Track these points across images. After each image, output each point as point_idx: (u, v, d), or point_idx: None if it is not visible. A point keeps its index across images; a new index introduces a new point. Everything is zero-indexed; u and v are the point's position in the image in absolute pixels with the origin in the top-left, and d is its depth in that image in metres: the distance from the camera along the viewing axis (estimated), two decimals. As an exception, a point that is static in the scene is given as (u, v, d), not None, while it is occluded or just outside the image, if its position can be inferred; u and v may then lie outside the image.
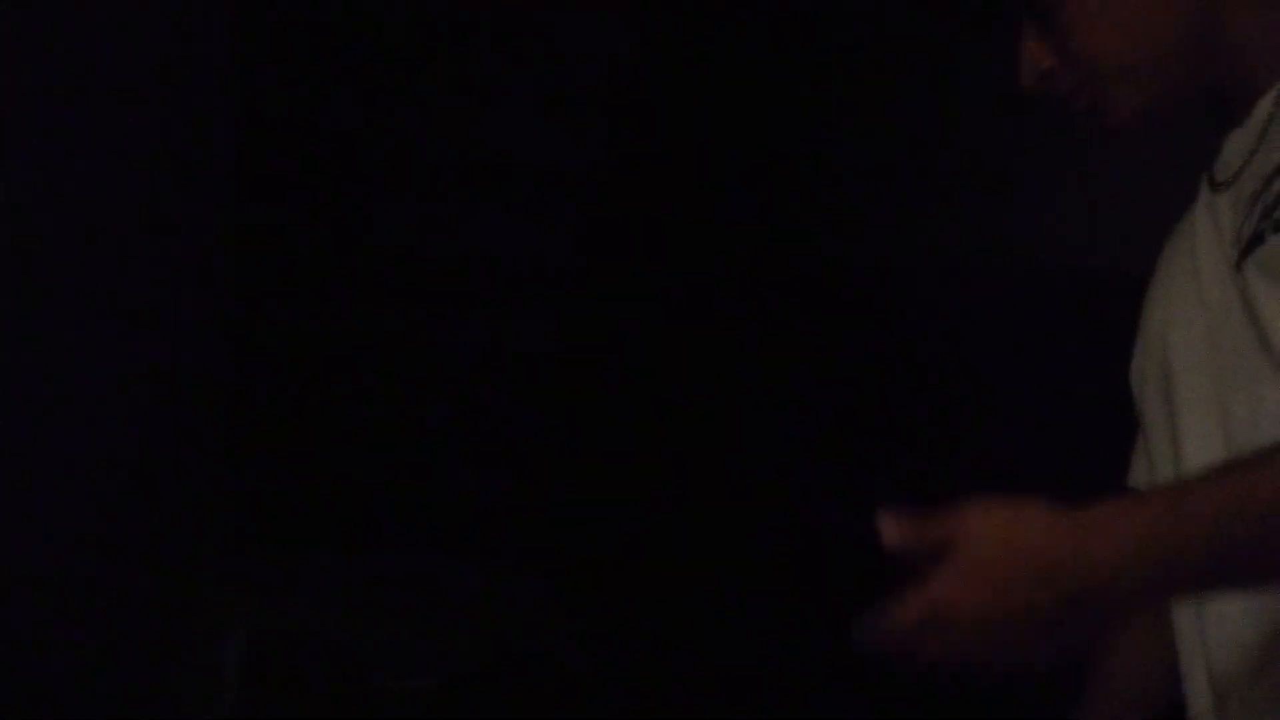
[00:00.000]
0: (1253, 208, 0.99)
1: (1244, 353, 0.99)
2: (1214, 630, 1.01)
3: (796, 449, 3.71)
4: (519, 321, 3.80)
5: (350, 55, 3.29)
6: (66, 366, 1.49)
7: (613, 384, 3.88)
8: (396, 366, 3.75)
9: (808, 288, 3.74)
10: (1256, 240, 0.97)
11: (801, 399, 3.73)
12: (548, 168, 3.55)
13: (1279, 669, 0.96)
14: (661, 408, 3.86)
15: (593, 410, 3.90)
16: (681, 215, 3.71)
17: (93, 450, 1.67)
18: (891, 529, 0.87)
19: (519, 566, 3.85)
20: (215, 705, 2.84)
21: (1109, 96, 1.07)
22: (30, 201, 1.28)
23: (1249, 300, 0.97)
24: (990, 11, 1.15)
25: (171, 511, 2.29)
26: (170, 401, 2.19)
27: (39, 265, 1.34)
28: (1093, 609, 0.77)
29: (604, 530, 3.84)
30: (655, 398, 3.86)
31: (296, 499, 3.67)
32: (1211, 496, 0.78)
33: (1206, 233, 1.06)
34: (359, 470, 3.76)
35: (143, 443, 1.97)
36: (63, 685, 1.58)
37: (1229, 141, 1.06)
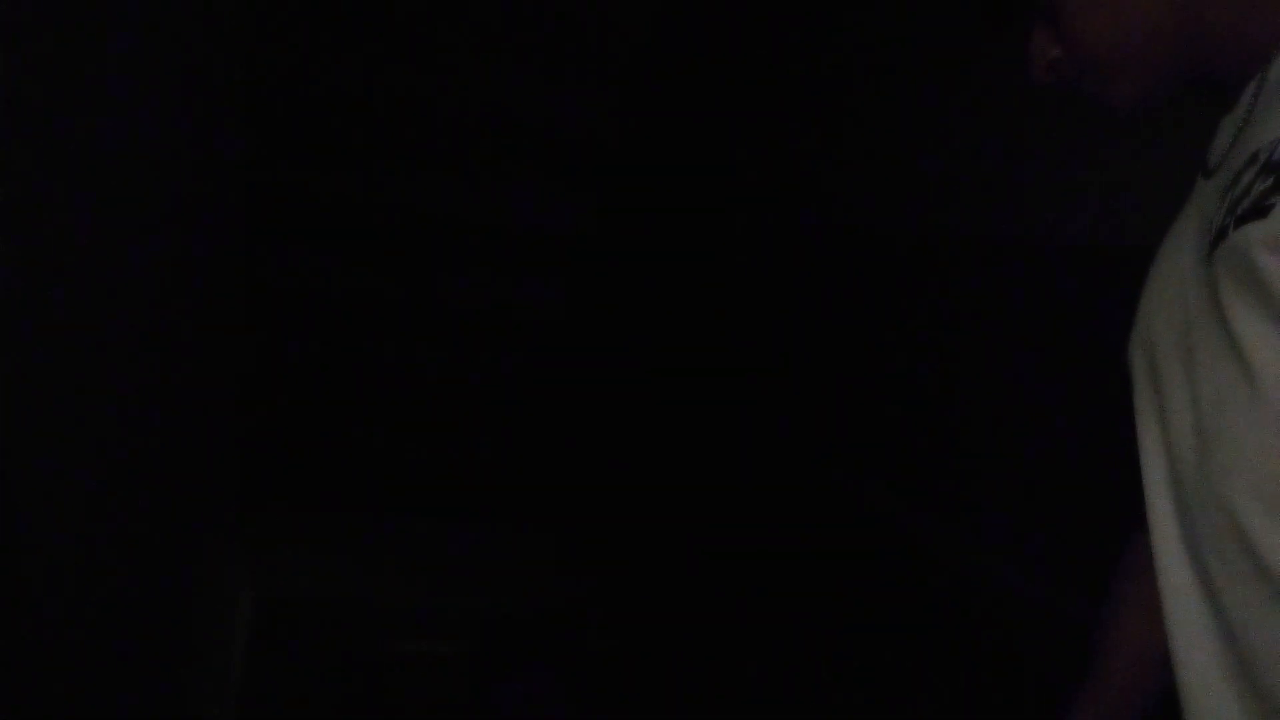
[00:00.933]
0: (1223, 200, 1.03)
1: (1211, 342, 1.03)
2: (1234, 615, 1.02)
3: (803, 418, 3.71)
4: (532, 287, 3.80)
5: (365, 21, 3.28)
6: (78, 337, 1.50)
7: (624, 352, 3.88)
8: (409, 332, 3.76)
9: (819, 261, 3.73)
10: (1221, 234, 1.01)
11: (808, 371, 3.73)
12: (565, 136, 3.54)
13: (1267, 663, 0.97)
14: (672, 376, 3.87)
15: (605, 376, 3.91)
16: (694, 187, 3.70)
17: (104, 418, 1.67)
18: None
19: (528, 530, 3.87)
20: (224, 666, 2.86)
21: (1109, 82, 1.13)
22: (41, 172, 1.28)
23: (1215, 291, 1.02)
24: (1002, 9, 1.20)
25: (182, 475, 2.30)
26: (181, 369, 2.20)
27: (50, 231, 1.34)
28: None
29: (613, 494, 3.86)
30: (666, 366, 3.87)
31: (306, 464, 3.69)
32: None
33: (1193, 219, 1.11)
34: (367, 436, 3.78)
35: (153, 409, 1.98)
36: (75, 649, 1.59)
37: (1221, 127, 1.10)
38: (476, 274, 3.71)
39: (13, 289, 1.20)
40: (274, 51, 3.04)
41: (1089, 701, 1.33)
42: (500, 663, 3.38)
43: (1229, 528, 1.00)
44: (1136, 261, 1.33)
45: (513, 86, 3.42)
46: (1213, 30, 1.09)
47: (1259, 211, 0.97)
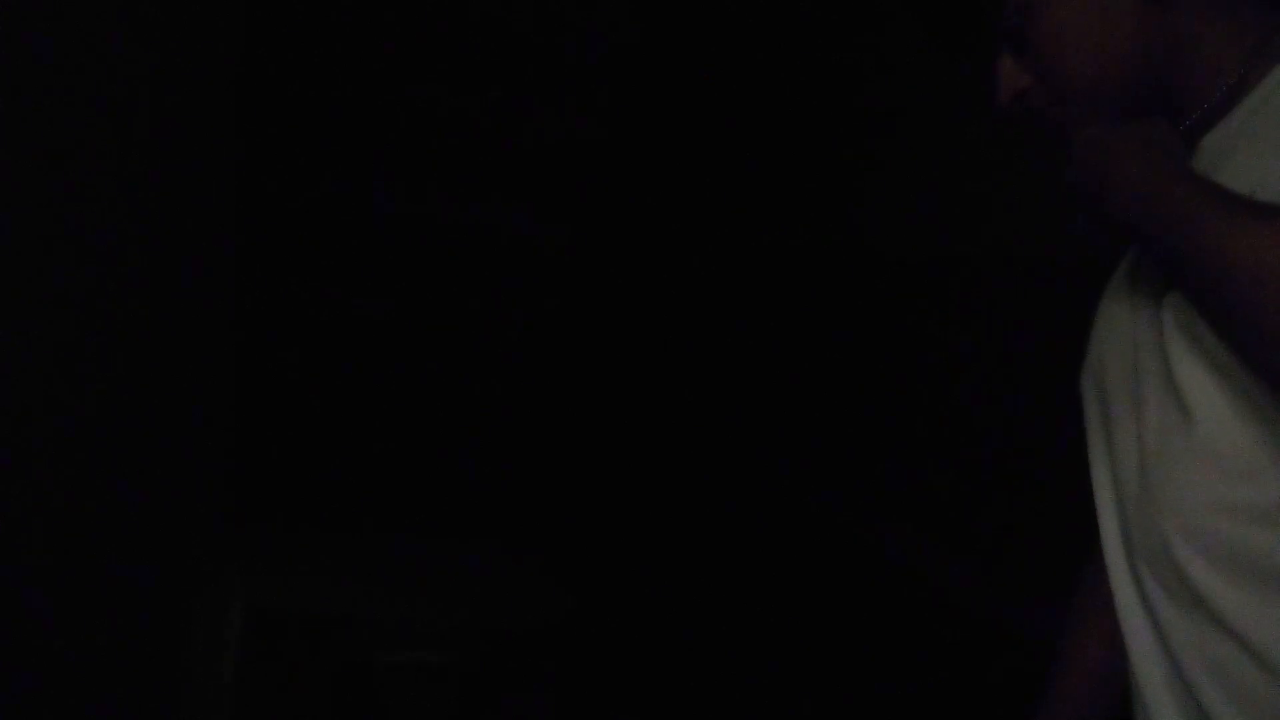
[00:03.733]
0: None
1: (1157, 381, 1.08)
2: (1172, 635, 1.06)
3: (795, 431, 3.73)
4: (524, 302, 3.81)
5: (356, 31, 3.29)
6: (68, 348, 1.51)
7: (615, 368, 3.89)
8: (402, 348, 3.77)
9: (816, 276, 3.75)
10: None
11: (800, 389, 3.75)
12: (553, 146, 3.56)
13: (1238, 671, 1.01)
14: (664, 393, 3.88)
15: (598, 394, 3.92)
16: (685, 201, 3.72)
17: (96, 430, 1.69)
18: None
19: (519, 545, 3.87)
20: (215, 676, 2.87)
21: (1074, 112, 1.13)
22: (35, 178, 1.30)
23: (1161, 332, 1.06)
24: (968, 37, 1.21)
25: (174, 488, 2.31)
26: (174, 381, 2.21)
27: (38, 242, 1.36)
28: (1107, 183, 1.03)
29: (601, 511, 3.86)
30: (658, 382, 3.88)
31: (298, 478, 3.70)
32: (1222, 218, 0.93)
33: (1147, 258, 1.12)
34: (360, 450, 3.79)
35: (146, 422, 1.99)
36: (66, 661, 1.61)
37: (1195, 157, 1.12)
38: (467, 288, 3.72)
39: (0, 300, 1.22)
40: (264, 61, 3.06)
41: (1054, 705, 1.35)
42: (494, 676, 3.39)
43: (1165, 557, 1.04)
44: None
45: (502, 96, 3.43)
46: (1178, 53, 1.11)
47: None
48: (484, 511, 3.91)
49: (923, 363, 3.36)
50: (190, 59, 2.08)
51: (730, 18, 3.49)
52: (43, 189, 1.29)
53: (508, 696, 3.35)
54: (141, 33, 1.64)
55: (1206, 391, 1.01)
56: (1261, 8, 1.11)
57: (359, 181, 3.53)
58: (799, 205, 3.77)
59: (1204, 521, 1.01)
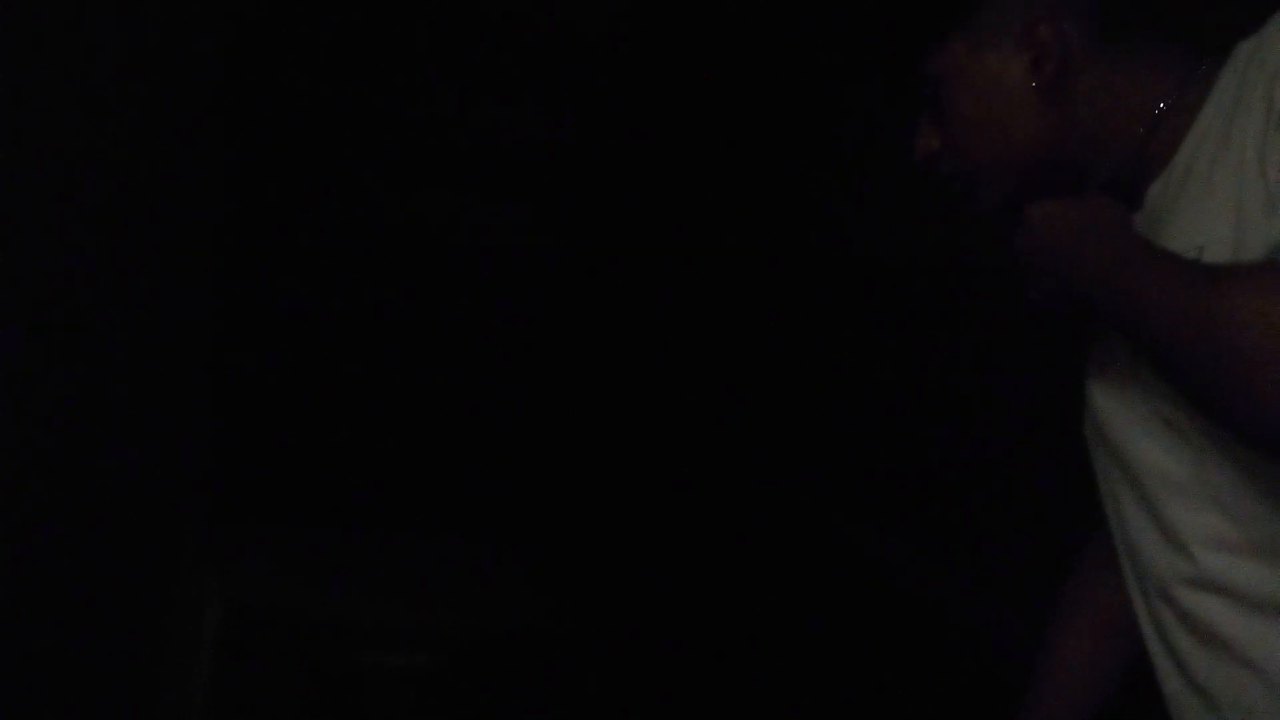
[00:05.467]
0: None
1: (1138, 419, 1.10)
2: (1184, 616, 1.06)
3: (780, 432, 3.72)
4: (507, 303, 3.80)
5: (341, 36, 3.28)
6: (47, 340, 1.49)
7: (599, 369, 3.89)
8: (383, 346, 3.75)
9: (804, 277, 3.74)
10: None
11: (785, 387, 3.75)
12: (532, 149, 3.55)
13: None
14: (646, 393, 3.87)
15: (579, 395, 3.91)
16: (673, 204, 3.71)
17: (73, 427, 1.66)
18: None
19: (500, 545, 3.86)
20: (191, 675, 2.85)
21: (976, 186, 1.17)
22: (19, 172, 1.28)
23: (1144, 390, 1.08)
24: (899, 87, 1.23)
25: (151, 486, 2.29)
26: (153, 376, 2.19)
27: (20, 236, 1.33)
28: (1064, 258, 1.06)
29: (583, 509, 3.86)
30: (638, 381, 3.87)
31: (277, 476, 3.68)
32: (1174, 278, 0.95)
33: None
34: (340, 449, 3.77)
35: (123, 418, 1.97)
36: (39, 660, 1.58)
37: (1145, 205, 1.13)
38: (452, 288, 3.71)
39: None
40: (252, 60, 3.03)
41: (1035, 712, 1.36)
42: (475, 678, 3.37)
43: (1175, 593, 1.06)
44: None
45: (491, 97, 3.42)
46: (1084, 129, 1.12)
47: None
48: (466, 512, 3.89)
49: (907, 366, 3.36)
50: (177, 56, 2.06)
51: (717, 20, 3.48)
52: (27, 183, 1.27)
53: (490, 698, 3.33)
54: (126, 26, 1.62)
55: (1201, 430, 1.02)
56: (1173, 55, 1.11)
57: (344, 179, 3.51)
58: (786, 207, 3.77)
59: (1207, 559, 1.02)
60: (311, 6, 3.17)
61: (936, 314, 3.24)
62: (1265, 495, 0.98)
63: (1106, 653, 1.33)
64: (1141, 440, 1.08)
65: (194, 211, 2.47)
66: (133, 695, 2.27)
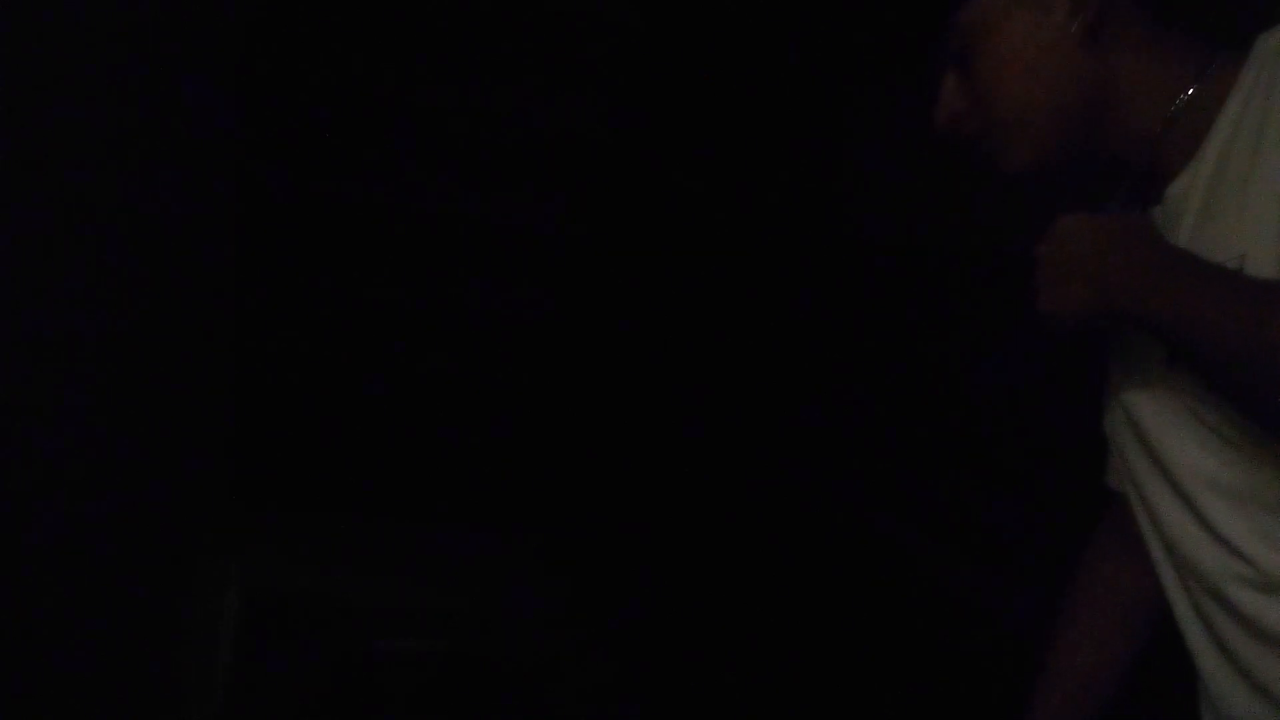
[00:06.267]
0: None
1: (1172, 421, 1.10)
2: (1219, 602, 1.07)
3: (789, 420, 3.72)
4: (520, 291, 3.81)
5: (358, 25, 3.29)
6: (65, 333, 1.51)
7: (614, 356, 3.89)
8: (399, 334, 3.76)
9: (814, 268, 3.74)
10: None
11: (799, 380, 3.75)
12: (557, 140, 3.55)
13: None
14: (662, 380, 3.88)
15: (595, 381, 3.92)
16: (688, 193, 3.71)
17: (92, 415, 1.68)
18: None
19: (514, 532, 3.88)
20: (211, 660, 2.87)
21: (1006, 144, 1.15)
22: (23, 169, 1.29)
23: (1181, 391, 1.09)
24: (919, 54, 1.21)
25: (170, 472, 2.31)
26: (171, 367, 2.20)
27: (35, 229, 1.35)
28: (1101, 282, 1.02)
29: (598, 497, 3.87)
30: (657, 370, 3.88)
31: (296, 462, 3.70)
32: (1229, 298, 0.95)
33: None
34: (358, 435, 3.79)
35: (142, 406, 1.99)
36: (60, 646, 1.60)
37: (1166, 201, 1.13)
38: (466, 277, 3.72)
39: None
40: (267, 54, 3.05)
41: (1040, 709, 1.36)
42: (490, 663, 3.39)
43: (1224, 595, 1.06)
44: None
45: (506, 91, 3.43)
46: (1113, 89, 1.11)
47: None
48: (481, 499, 3.91)
49: (915, 352, 3.36)
50: (191, 51, 2.07)
51: (725, 17, 3.48)
52: (45, 177, 1.28)
53: (506, 684, 3.35)
54: (140, 23, 1.63)
55: (1254, 440, 1.03)
56: (1192, 44, 1.10)
57: (360, 172, 3.52)
58: (794, 197, 3.76)
59: (1269, 561, 1.03)
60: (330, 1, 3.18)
61: (950, 302, 3.25)
62: None
63: (1118, 635, 1.33)
64: (1183, 442, 1.08)
65: (213, 202, 2.49)
66: (155, 678, 2.29)
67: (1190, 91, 1.07)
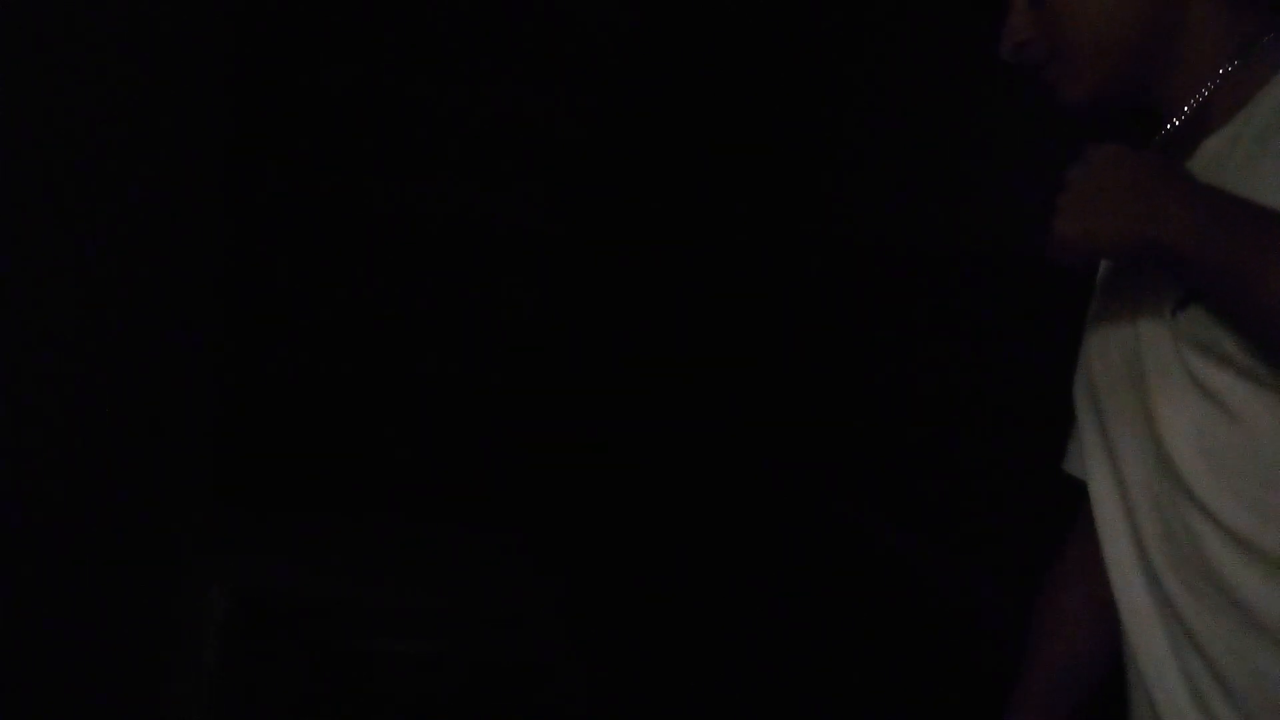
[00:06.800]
0: None
1: (1178, 385, 1.07)
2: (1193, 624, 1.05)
3: (783, 420, 3.72)
4: (511, 288, 3.80)
5: (348, 23, 3.27)
6: (49, 330, 1.49)
7: (603, 354, 3.89)
8: (386, 332, 3.75)
9: (806, 268, 3.74)
10: (1192, 296, 1.04)
11: (791, 379, 3.74)
12: (546, 137, 3.54)
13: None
14: (652, 378, 3.87)
15: (584, 379, 3.91)
16: (676, 190, 3.70)
17: (76, 413, 1.67)
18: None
19: (505, 531, 3.87)
20: (197, 661, 2.86)
21: (1070, 73, 1.14)
22: (22, 160, 1.28)
23: (1178, 339, 1.06)
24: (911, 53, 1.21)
25: (155, 472, 2.30)
26: (155, 365, 2.19)
27: (20, 227, 1.34)
28: (1134, 219, 0.99)
29: (590, 498, 3.86)
30: (646, 367, 3.87)
31: (281, 461, 3.68)
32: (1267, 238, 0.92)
33: (1145, 270, 1.11)
34: (344, 434, 3.77)
35: (127, 405, 1.98)
36: (46, 647, 1.59)
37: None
38: (453, 274, 3.71)
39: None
40: (254, 53, 3.03)
41: (1020, 705, 1.35)
42: (482, 664, 3.38)
43: (1196, 560, 1.04)
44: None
45: (494, 89, 3.42)
46: (1178, 36, 1.11)
47: None
48: (471, 498, 3.90)
49: (910, 354, 3.36)
50: (182, 48, 2.06)
51: (721, 15, 3.47)
52: (27, 173, 1.27)
53: (496, 685, 3.34)
54: (130, 20, 1.62)
55: (1243, 396, 1.01)
56: (1258, 6, 1.10)
57: (351, 166, 3.51)
58: (788, 197, 3.76)
59: (1242, 523, 1.01)
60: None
61: (944, 303, 3.25)
62: None
63: (1092, 634, 1.32)
64: (1177, 406, 1.06)
65: (198, 200, 2.47)
66: (142, 679, 2.28)
67: (1252, 45, 1.07)
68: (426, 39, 3.34)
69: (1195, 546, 1.05)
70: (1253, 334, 0.98)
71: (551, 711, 3.26)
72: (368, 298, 3.70)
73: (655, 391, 3.87)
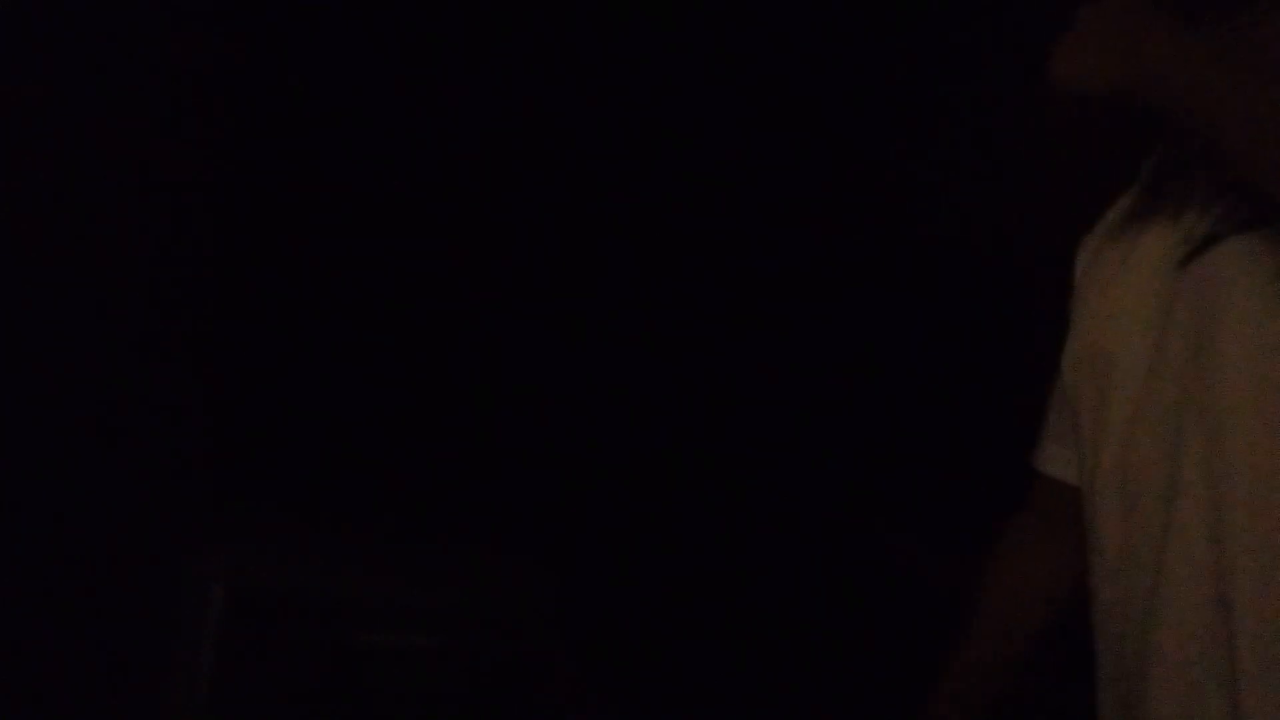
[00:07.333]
0: (1207, 207, 1.02)
1: (1187, 345, 1.02)
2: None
3: (787, 422, 3.72)
4: (514, 288, 3.79)
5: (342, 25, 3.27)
6: (44, 329, 1.49)
7: (605, 353, 3.88)
8: (383, 330, 3.74)
9: (808, 269, 3.73)
10: (1212, 240, 0.99)
11: (792, 380, 3.74)
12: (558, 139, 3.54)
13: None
14: (653, 381, 3.87)
15: (585, 380, 3.91)
16: (703, 191, 3.70)
17: (71, 411, 1.67)
18: None
19: (502, 528, 3.87)
20: (195, 658, 2.86)
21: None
22: (18, 161, 1.28)
23: (1194, 296, 1.01)
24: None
25: (153, 468, 2.30)
26: (152, 362, 2.19)
27: (14, 227, 1.34)
28: (1129, 68, 0.97)
29: (589, 497, 3.86)
30: (646, 371, 3.87)
31: (279, 457, 3.68)
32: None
33: (1149, 227, 1.08)
34: (342, 431, 3.77)
35: (124, 402, 1.98)
36: (43, 644, 1.59)
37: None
38: (453, 274, 3.70)
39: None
40: (247, 49, 3.02)
41: (957, 670, 1.36)
42: (479, 660, 3.38)
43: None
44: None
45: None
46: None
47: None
48: (473, 496, 3.90)
49: (912, 353, 3.36)
50: (174, 46, 2.05)
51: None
52: (14, 174, 1.27)
53: (494, 681, 3.34)
54: (121, 18, 1.62)
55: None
56: None
57: (342, 167, 3.50)
58: (789, 198, 3.75)
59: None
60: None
61: (950, 302, 3.24)
62: None
63: (1025, 627, 1.31)
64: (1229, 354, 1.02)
65: (196, 198, 2.47)
66: (139, 677, 2.28)
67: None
68: (429, 37, 3.34)
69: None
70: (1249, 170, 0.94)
71: (550, 708, 3.26)
72: (367, 299, 3.69)
73: (655, 391, 3.87)
